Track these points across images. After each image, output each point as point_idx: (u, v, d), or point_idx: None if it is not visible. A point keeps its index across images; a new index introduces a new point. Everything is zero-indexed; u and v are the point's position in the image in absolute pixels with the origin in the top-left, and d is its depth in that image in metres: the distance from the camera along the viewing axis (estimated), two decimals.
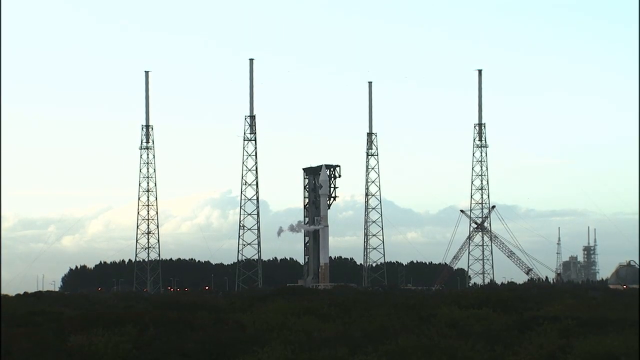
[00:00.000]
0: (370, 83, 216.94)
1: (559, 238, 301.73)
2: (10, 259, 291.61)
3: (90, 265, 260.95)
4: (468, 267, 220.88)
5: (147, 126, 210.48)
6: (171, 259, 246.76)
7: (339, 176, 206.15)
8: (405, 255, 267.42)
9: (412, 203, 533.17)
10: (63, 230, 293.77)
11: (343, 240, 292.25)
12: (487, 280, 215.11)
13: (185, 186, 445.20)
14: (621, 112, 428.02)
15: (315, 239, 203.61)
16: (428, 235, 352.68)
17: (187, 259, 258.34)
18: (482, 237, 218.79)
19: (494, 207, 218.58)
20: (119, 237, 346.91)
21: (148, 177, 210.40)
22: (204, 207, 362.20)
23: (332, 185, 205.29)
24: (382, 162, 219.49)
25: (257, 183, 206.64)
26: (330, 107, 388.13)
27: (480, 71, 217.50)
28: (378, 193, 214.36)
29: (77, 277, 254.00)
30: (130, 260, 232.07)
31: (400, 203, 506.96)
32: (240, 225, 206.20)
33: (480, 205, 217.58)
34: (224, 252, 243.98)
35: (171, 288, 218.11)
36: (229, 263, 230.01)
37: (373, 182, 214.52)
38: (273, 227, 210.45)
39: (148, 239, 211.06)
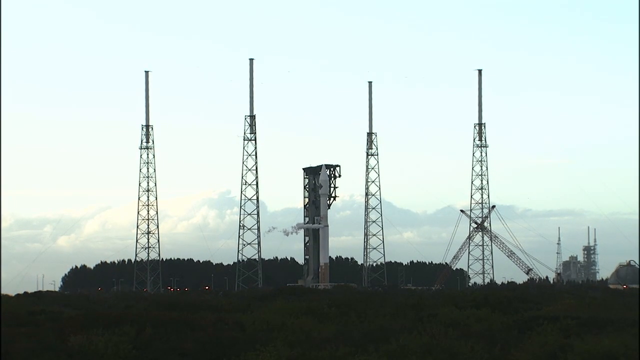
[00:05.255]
0: (370, 83, 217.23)
1: (559, 238, 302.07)
2: (7, 259, 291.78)
3: (90, 265, 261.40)
4: (468, 267, 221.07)
5: (147, 126, 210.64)
6: (171, 258, 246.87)
7: (339, 176, 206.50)
8: (405, 255, 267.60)
9: (410, 203, 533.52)
10: (59, 231, 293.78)
11: (339, 240, 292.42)
12: (487, 280, 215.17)
13: (185, 186, 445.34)
14: (621, 112, 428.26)
15: (315, 238, 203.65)
16: (424, 235, 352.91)
17: (187, 259, 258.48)
18: (482, 237, 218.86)
19: (494, 207, 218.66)
20: (115, 237, 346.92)
21: (148, 177, 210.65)
22: (201, 207, 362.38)
23: (332, 185, 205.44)
24: (382, 162, 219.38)
25: (257, 183, 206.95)
26: (330, 107, 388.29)
27: (480, 71, 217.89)
28: (378, 193, 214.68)
29: (77, 277, 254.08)
30: (130, 260, 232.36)
31: (399, 203, 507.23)
32: (240, 225, 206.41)
33: (480, 205, 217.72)
34: (223, 252, 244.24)
35: (171, 288, 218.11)
36: (229, 263, 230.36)
37: (373, 182, 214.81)
38: (271, 227, 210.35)
39: (148, 239, 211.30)
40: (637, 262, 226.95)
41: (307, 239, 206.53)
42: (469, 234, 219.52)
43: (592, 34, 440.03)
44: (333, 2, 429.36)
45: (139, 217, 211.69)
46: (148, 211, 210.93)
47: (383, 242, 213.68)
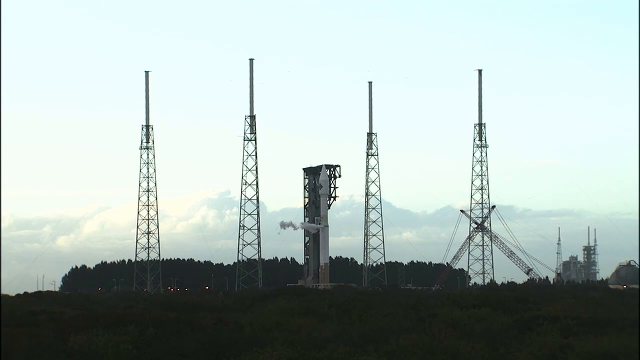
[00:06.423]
0: (370, 83, 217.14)
1: (559, 238, 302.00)
2: (6, 259, 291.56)
3: (90, 265, 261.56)
4: (468, 267, 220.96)
5: (147, 126, 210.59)
6: (171, 259, 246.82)
7: (339, 176, 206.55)
8: (405, 255, 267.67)
9: (410, 203, 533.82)
10: (58, 231, 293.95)
11: (339, 240, 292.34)
12: (487, 280, 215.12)
13: (185, 186, 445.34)
14: (621, 112, 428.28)
15: (315, 239, 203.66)
16: (424, 235, 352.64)
17: (187, 259, 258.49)
18: (482, 237, 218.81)
19: (494, 207, 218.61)
20: (113, 237, 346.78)
21: (148, 177, 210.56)
22: (201, 207, 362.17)
23: (332, 185, 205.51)
24: (382, 162, 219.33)
25: (257, 183, 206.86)
26: (330, 107, 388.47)
27: (480, 71, 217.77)
28: (378, 193, 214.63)
29: (77, 277, 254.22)
30: (130, 260, 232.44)
31: (398, 203, 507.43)
32: (240, 225, 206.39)
33: (480, 205, 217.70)
34: (222, 252, 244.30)
35: (171, 288, 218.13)
36: (229, 263, 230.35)
37: (373, 182, 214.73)
38: (270, 227, 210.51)
39: (148, 239, 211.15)
40: (637, 262, 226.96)
41: (307, 239, 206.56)
42: (469, 234, 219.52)
43: (592, 34, 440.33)
44: (333, 2, 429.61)
45: (139, 217, 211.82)
46: (148, 211, 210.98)
47: (383, 242, 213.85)
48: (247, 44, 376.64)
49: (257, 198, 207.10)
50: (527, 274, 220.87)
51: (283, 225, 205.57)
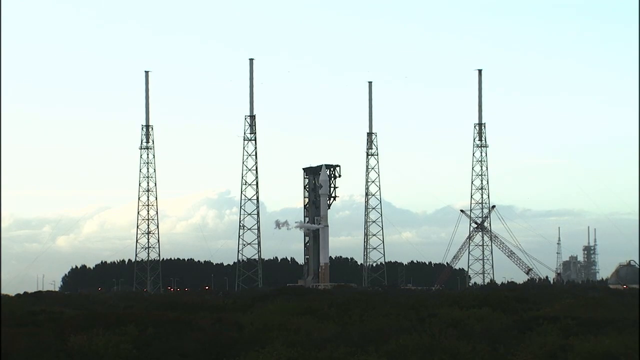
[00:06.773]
0: (370, 83, 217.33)
1: (559, 238, 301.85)
2: (6, 259, 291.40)
3: (90, 265, 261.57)
4: (468, 267, 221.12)
5: (147, 126, 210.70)
6: (171, 259, 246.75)
7: (339, 176, 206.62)
8: (405, 255, 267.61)
9: (410, 203, 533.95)
10: (58, 231, 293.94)
11: (339, 240, 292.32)
12: (487, 280, 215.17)
13: (185, 186, 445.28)
14: (621, 112, 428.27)
15: (315, 239, 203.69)
16: (423, 235, 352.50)
17: (187, 259, 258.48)
18: (482, 237, 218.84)
19: (494, 207, 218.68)
20: (113, 237, 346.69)
21: (148, 177, 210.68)
22: (200, 207, 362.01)
23: (332, 185, 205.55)
24: (382, 162, 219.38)
25: (257, 183, 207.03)
26: (330, 107, 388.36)
27: (480, 71, 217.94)
28: (378, 193, 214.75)
29: (77, 277, 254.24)
30: (130, 260, 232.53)
31: (398, 203, 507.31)
32: (240, 225, 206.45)
33: (480, 205, 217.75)
34: (222, 252, 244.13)
35: (171, 288, 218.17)
36: (229, 263, 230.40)
37: (373, 182, 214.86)
38: (270, 227, 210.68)
39: (148, 239, 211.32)
40: (637, 262, 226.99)
41: (307, 239, 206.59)
42: (469, 234, 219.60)
43: (592, 34, 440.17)
44: (333, 2, 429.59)
45: (139, 217, 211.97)
46: (148, 211, 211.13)
47: (383, 242, 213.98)
48: (247, 44, 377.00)
49: (257, 198, 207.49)
50: (527, 274, 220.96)
51: (278, 224, 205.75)
